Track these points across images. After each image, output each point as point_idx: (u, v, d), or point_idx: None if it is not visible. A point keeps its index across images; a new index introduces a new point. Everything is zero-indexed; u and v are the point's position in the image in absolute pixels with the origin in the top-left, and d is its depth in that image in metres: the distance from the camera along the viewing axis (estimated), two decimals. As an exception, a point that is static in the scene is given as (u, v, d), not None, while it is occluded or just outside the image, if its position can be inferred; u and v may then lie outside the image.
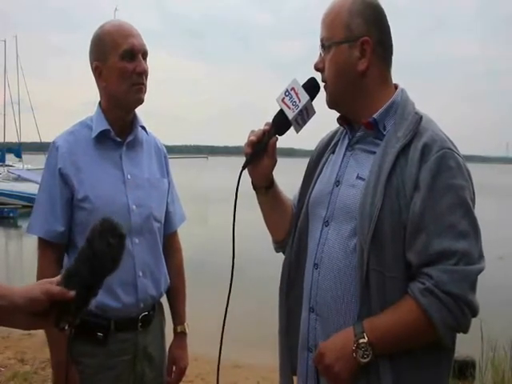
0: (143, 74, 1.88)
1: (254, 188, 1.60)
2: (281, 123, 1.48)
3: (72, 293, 1.05)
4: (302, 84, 1.46)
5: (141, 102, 1.92)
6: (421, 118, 1.39)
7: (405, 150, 1.34)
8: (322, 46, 1.46)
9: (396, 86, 1.49)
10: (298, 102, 1.44)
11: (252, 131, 1.50)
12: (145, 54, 1.90)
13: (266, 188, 1.59)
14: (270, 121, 1.49)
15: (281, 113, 1.47)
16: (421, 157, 1.31)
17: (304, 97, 1.44)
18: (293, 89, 1.45)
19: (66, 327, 1.08)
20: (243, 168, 1.50)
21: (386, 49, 1.45)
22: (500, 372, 4.26)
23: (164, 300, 2.13)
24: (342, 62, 1.43)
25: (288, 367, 1.58)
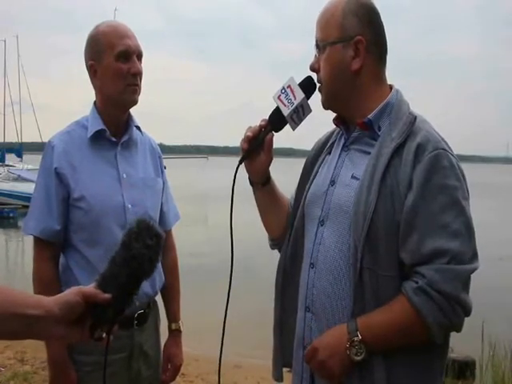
0: (138, 74, 1.90)
1: (251, 183, 1.62)
2: (277, 120, 1.49)
3: (108, 295, 1.01)
4: (298, 82, 1.47)
5: (135, 103, 1.95)
6: (415, 118, 1.39)
7: (399, 150, 1.35)
8: (317, 46, 1.47)
9: (391, 87, 1.49)
10: (293, 99, 1.45)
11: (249, 127, 1.52)
12: (139, 56, 1.92)
13: (262, 184, 1.60)
14: (267, 117, 1.51)
15: (277, 110, 1.48)
16: (415, 157, 1.32)
17: (299, 94, 1.45)
18: (289, 86, 1.46)
19: (104, 335, 1.04)
20: (240, 163, 1.52)
21: (380, 48, 1.46)
22: (500, 372, 4.26)
23: (159, 298, 2.14)
24: (336, 62, 1.44)
25: (280, 362, 1.61)
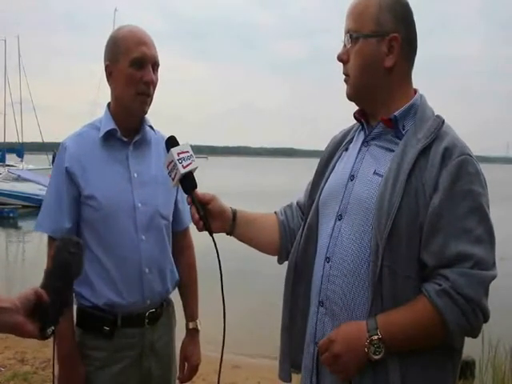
0: (150, 84, 1.90)
1: (226, 233, 1.63)
2: (187, 185, 1.55)
3: (46, 297, 1.23)
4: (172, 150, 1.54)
5: (144, 113, 1.97)
6: (443, 121, 1.39)
7: (425, 151, 1.34)
8: (350, 36, 1.44)
9: (415, 91, 1.49)
10: (176, 167, 1.52)
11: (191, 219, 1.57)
12: (155, 65, 1.92)
13: (231, 228, 1.61)
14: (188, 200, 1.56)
15: (184, 179, 1.53)
16: (441, 160, 1.31)
17: (171, 156, 1.53)
18: (170, 162, 1.54)
19: (50, 330, 1.25)
20: (211, 235, 1.56)
21: (412, 47, 1.45)
22: (500, 372, 4.25)
23: (176, 296, 2.14)
24: (368, 56, 1.42)
25: (288, 363, 1.59)
